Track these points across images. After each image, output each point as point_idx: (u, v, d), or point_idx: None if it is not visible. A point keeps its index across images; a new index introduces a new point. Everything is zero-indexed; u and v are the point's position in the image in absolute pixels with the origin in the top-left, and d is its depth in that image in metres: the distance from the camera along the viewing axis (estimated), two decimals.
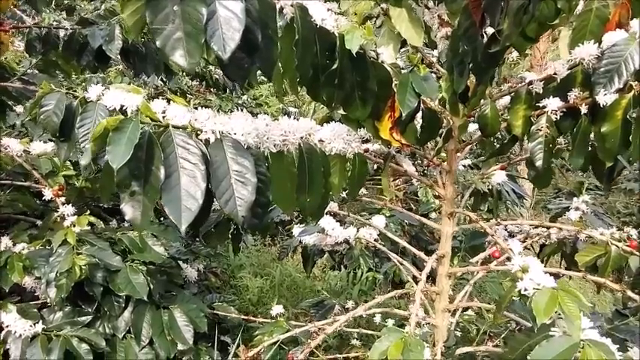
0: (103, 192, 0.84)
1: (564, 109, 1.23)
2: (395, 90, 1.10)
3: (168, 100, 1.33)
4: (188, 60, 0.65)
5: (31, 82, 2.09)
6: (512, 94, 1.31)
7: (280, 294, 3.04)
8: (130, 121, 0.80)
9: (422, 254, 1.92)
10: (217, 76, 4.76)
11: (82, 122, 1.28)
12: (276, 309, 2.16)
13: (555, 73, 1.25)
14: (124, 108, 1.34)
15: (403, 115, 1.04)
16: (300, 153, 1.05)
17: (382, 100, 1.09)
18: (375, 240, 2.19)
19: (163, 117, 0.95)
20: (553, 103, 1.23)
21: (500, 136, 1.57)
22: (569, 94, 1.23)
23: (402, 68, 1.13)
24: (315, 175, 1.07)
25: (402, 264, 2.05)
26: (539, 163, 1.22)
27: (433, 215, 3.42)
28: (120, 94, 1.34)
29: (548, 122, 1.22)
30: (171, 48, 0.65)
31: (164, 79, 3.56)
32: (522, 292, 1.05)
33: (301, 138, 1.06)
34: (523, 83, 1.28)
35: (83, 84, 3.26)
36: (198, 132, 0.90)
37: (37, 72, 2.26)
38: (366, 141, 1.22)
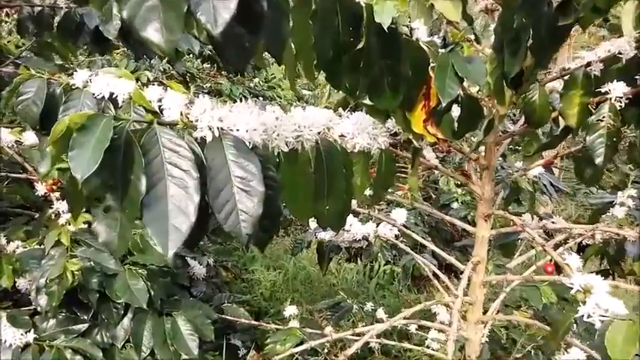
0: (72, 207, 0.67)
1: (630, 96, 1.04)
2: (431, 74, 0.91)
3: (166, 87, 1.16)
4: (166, 36, 0.47)
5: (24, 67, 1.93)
6: (565, 77, 1.12)
7: (294, 288, 2.90)
8: (100, 117, 0.62)
9: (443, 253, 1.76)
10: None
11: (65, 113, 1.12)
12: (290, 309, 2.01)
13: (620, 53, 1.05)
14: (113, 96, 1.18)
15: (443, 103, 0.86)
16: (317, 152, 0.87)
17: (416, 86, 0.90)
18: (395, 237, 2.02)
19: (159, 107, 0.78)
20: (618, 89, 1.03)
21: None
22: (637, 77, 1.03)
23: (440, 48, 0.94)
24: (336, 177, 0.89)
25: (421, 259, 1.89)
26: (599, 160, 1.03)
27: (455, 205, 3.23)
28: (109, 81, 1.18)
29: (611, 111, 1.03)
30: (143, 20, 0.47)
31: (170, 63, 3.39)
32: (585, 319, 0.87)
33: (319, 133, 0.88)
34: (579, 64, 1.08)
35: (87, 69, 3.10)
36: (193, 129, 0.73)
37: (32, 55, 2.10)
38: (394, 134, 1.03)
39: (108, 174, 0.64)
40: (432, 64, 0.90)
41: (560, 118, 1.14)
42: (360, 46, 0.76)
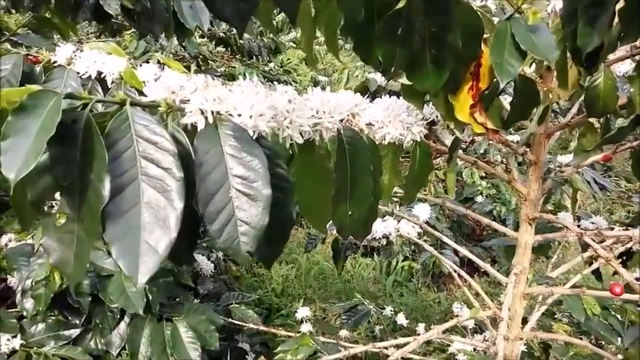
0: (18, 214, 0.51)
1: None
2: (484, 47, 0.73)
3: (163, 66, 1.00)
4: None
5: (20, 44, 1.79)
6: (637, 57, 0.92)
7: (307, 284, 2.75)
8: (47, 94, 0.46)
9: (465, 251, 1.58)
10: (242, 42, 4.40)
11: None
12: (302, 311, 1.85)
13: None
14: (102, 75, 1.02)
15: (501, 84, 0.67)
16: (339, 143, 0.70)
17: (464, 62, 0.72)
18: (418, 235, 1.84)
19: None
20: None
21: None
22: None
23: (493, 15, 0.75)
24: (361, 175, 0.72)
25: (441, 256, 1.72)
26: None
27: (479, 199, 3.04)
28: (97, 57, 1.02)
29: None
30: None
31: (184, 45, 3.22)
32: None
33: (341, 121, 0.70)
34: None
35: None
36: (180, 113, 0.56)
37: (30, 32, 1.95)
38: (431, 123, 0.86)
39: (61, 172, 0.48)
40: (485, 35, 0.71)
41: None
42: (398, 6, 0.58)
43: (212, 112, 0.56)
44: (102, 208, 0.46)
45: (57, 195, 0.49)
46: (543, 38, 0.69)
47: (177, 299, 1.50)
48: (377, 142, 0.77)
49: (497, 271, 2.72)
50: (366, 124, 0.74)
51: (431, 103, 0.83)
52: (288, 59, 5.17)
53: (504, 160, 2.74)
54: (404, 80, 0.67)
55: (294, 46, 5.58)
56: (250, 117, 0.58)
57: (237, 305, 1.79)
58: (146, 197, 0.49)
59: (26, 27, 1.93)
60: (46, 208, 0.50)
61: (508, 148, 1.05)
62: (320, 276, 2.79)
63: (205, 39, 4.36)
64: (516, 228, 2.71)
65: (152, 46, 3.15)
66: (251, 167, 0.56)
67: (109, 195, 0.47)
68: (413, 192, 0.88)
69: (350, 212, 0.72)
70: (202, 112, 0.56)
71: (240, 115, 0.58)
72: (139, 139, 0.50)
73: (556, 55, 0.68)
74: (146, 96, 0.56)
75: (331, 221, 0.75)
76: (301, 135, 0.66)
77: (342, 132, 0.70)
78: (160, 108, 0.55)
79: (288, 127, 0.63)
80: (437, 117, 0.86)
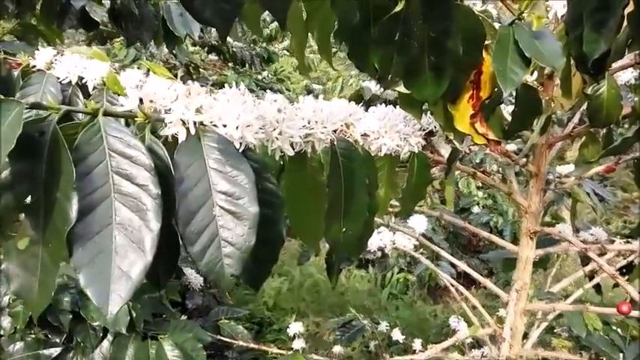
0: None
1: None
2: (485, 54, 0.69)
3: (148, 71, 0.95)
4: None
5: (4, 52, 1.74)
6: None
7: (300, 297, 2.69)
8: (8, 104, 0.41)
9: (461, 263, 1.54)
10: (234, 50, 4.36)
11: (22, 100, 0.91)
12: (294, 327, 1.80)
13: None
14: (83, 81, 0.97)
15: (504, 93, 0.64)
16: (333, 155, 0.65)
17: (464, 69, 0.68)
18: (414, 248, 1.80)
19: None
20: None
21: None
22: None
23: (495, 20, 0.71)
24: (356, 189, 0.67)
25: (437, 269, 1.68)
26: None
27: (475, 210, 3.00)
28: (78, 62, 0.97)
29: None
30: None
31: (174, 53, 3.18)
32: None
33: (335, 131, 0.66)
34: None
35: None
36: (161, 124, 0.52)
37: (15, 39, 1.90)
38: (429, 133, 0.81)
39: (24, 190, 0.43)
40: (487, 41, 0.68)
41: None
42: (396, 9, 0.54)
43: (194, 123, 0.52)
44: (68, 229, 0.41)
45: (21, 216, 0.45)
46: (548, 45, 0.65)
47: (164, 316, 1.44)
48: (372, 154, 0.73)
49: (495, 283, 2.67)
50: (361, 135, 0.70)
51: (429, 112, 0.79)
52: (282, 67, 5.14)
53: (500, 170, 2.71)
54: (401, 88, 0.63)
55: (288, 54, 5.56)
56: (236, 128, 0.54)
57: (226, 321, 1.73)
58: (119, 217, 0.44)
59: (11, 34, 1.88)
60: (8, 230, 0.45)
61: (506, 159, 1.01)
62: (313, 289, 2.73)
63: (197, 47, 4.32)
64: (514, 240, 2.68)
65: (142, 54, 3.11)
66: (237, 182, 0.51)
67: (77, 215, 0.42)
68: (410, 205, 0.84)
69: (344, 229, 0.68)
70: (184, 123, 0.51)
71: (225, 126, 0.54)
72: (112, 153, 0.45)
73: (562, 62, 0.64)
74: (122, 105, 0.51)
75: (324, 237, 0.70)
76: (292, 147, 0.61)
77: (335, 143, 0.66)
78: (136, 118, 0.50)
79: (277, 138, 0.59)
80: (435, 127, 0.82)
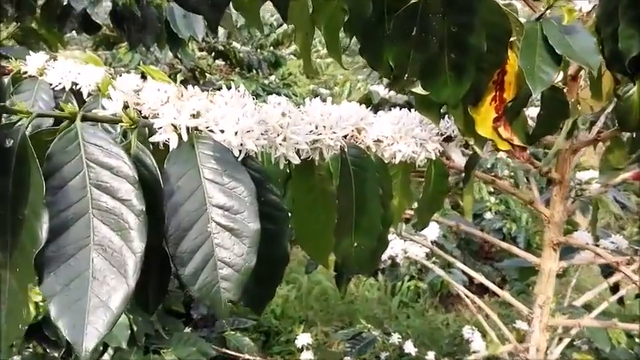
0: None
1: None
2: (510, 52, 0.62)
3: (143, 75, 0.89)
4: None
5: (5, 57, 1.70)
6: None
7: (308, 305, 2.63)
8: None
9: (473, 272, 1.48)
10: (242, 54, 4.33)
11: None
12: (302, 338, 1.74)
13: None
14: (77, 87, 0.92)
15: (534, 94, 0.57)
16: (343, 163, 0.59)
17: (487, 69, 0.62)
18: (426, 256, 1.73)
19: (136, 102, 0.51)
20: None
21: None
22: None
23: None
24: (369, 200, 0.61)
25: (448, 277, 1.61)
26: None
27: (488, 215, 2.92)
28: (72, 67, 0.92)
29: None
30: None
31: (179, 57, 3.14)
32: None
33: (345, 137, 0.60)
34: None
35: None
36: (147, 129, 0.46)
37: (15, 44, 1.86)
38: (447, 139, 0.75)
39: None
40: (512, 37, 0.61)
41: None
42: (413, 0, 0.48)
43: (188, 128, 0.46)
44: (37, 251, 0.36)
45: None
46: (581, 40, 0.59)
47: (167, 328, 1.38)
48: (386, 161, 0.67)
49: (509, 291, 2.59)
50: (374, 141, 0.64)
51: (446, 115, 0.73)
52: (289, 72, 5.10)
53: (512, 175, 2.62)
54: (418, 90, 0.57)
55: (295, 58, 5.51)
56: (235, 133, 0.48)
57: (232, 332, 1.67)
58: (97, 237, 0.38)
59: (12, 39, 1.84)
60: None
61: (528, 166, 0.94)
62: (322, 297, 2.67)
63: (204, 52, 4.29)
64: (528, 247, 2.59)
65: (147, 58, 3.07)
66: (235, 195, 0.45)
67: (49, 235, 0.36)
68: (427, 216, 0.78)
69: (355, 243, 0.62)
70: (175, 128, 0.45)
71: (223, 132, 0.48)
72: (90, 163, 0.39)
73: (598, 60, 0.58)
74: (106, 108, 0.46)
75: (333, 253, 0.64)
76: (298, 154, 0.55)
77: (345, 150, 0.60)
78: (121, 124, 0.45)
79: (281, 144, 0.53)
80: (453, 132, 0.76)
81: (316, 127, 0.57)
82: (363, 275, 2.21)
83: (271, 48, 4.71)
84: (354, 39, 0.53)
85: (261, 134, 0.51)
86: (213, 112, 0.48)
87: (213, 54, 4.24)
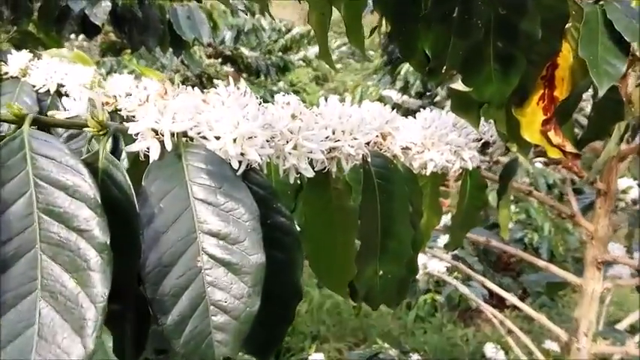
0: None
1: None
2: (563, 41, 0.52)
3: (140, 77, 0.80)
4: None
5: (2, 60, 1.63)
6: None
7: (320, 320, 2.52)
8: None
9: (493, 286, 1.37)
10: (250, 60, 4.26)
11: None
12: (315, 358, 1.63)
13: None
14: (63, 89, 0.83)
15: (600, 91, 0.47)
16: (366, 176, 0.49)
17: (537, 62, 0.52)
18: (446, 271, 1.63)
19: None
20: None
21: None
22: None
23: None
24: (397, 220, 0.51)
25: (467, 290, 1.50)
26: None
27: (508, 225, 2.79)
28: (58, 67, 0.83)
29: None
30: None
31: (186, 63, 3.07)
32: None
33: (367, 144, 0.50)
34: None
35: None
36: (122, 135, 0.36)
37: (13, 48, 1.79)
38: (485, 145, 0.65)
39: None
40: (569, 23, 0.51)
41: None
42: None
43: (173, 134, 0.36)
44: None
45: None
46: None
47: (168, 351, 1.28)
48: (415, 172, 0.56)
49: (530, 305, 2.45)
50: (402, 149, 0.54)
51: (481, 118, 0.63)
52: (298, 78, 5.02)
53: (533, 183, 2.50)
54: (458, 85, 0.47)
55: (304, 64, 5.44)
56: (234, 141, 0.38)
57: (241, 356, 1.56)
58: (47, 281, 0.28)
59: (9, 42, 1.77)
60: None
61: (573, 175, 0.84)
62: (334, 311, 2.55)
63: (212, 60, 4.22)
64: (551, 258, 2.45)
65: (154, 64, 3.00)
66: (233, 219, 0.35)
67: None
68: (461, 235, 0.67)
69: (381, 272, 0.51)
70: (156, 134, 0.36)
71: (218, 138, 0.38)
72: (39, 182, 0.30)
73: None
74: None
75: (354, 282, 0.54)
76: (311, 165, 0.45)
77: (369, 159, 0.49)
78: (87, 129, 0.35)
79: (291, 153, 0.43)
80: (491, 136, 0.65)
81: (333, 132, 0.47)
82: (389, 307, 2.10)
83: (280, 53, 4.63)
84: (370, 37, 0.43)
85: (267, 141, 0.41)
86: (207, 114, 0.39)
87: (220, 59, 4.17)
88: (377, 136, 0.51)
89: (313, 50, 6.02)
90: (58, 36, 1.65)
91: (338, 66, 6.68)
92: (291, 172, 0.45)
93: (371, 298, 0.52)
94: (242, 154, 0.39)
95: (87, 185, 0.30)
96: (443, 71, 0.44)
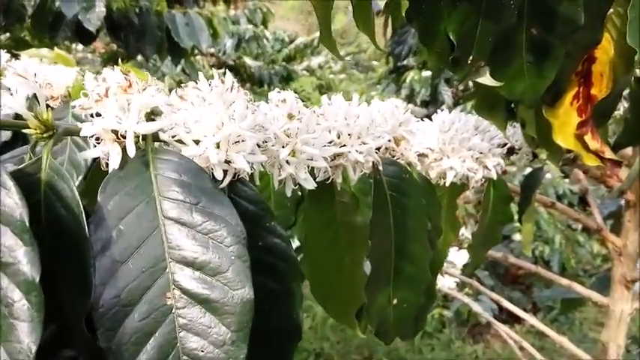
0: None
1: None
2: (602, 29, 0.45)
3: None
4: None
5: None
6: None
7: (324, 336, 2.43)
8: None
9: (503, 300, 1.29)
10: (253, 69, 4.21)
11: None
12: None
13: None
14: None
15: None
16: (377, 187, 0.42)
17: (574, 53, 0.44)
18: (456, 286, 1.55)
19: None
20: None
21: None
22: None
23: None
24: (413, 239, 0.43)
25: (477, 306, 1.41)
26: None
27: (517, 237, 2.70)
28: (37, 68, 0.76)
29: None
30: None
31: (187, 72, 3.01)
32: None
33: (378, 149, 0.42)
34: None
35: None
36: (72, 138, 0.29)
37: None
38: (510, 151, 0.57)
39: None
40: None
41: None
42: None
43: (138, 137, 0.29)
44: None
45: None
46: None
47: None
48: (433, 181, 0.49)
49: (542, 320, 2.36)
50: (418, 155, 0.47)
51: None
52: (302, 87, 4.97)
53: (540, 192, 2.40)
54: (486, 80, 0.40)
55: (307, 74, 5.39)
56: (217, 145, 0.31)
57: None
58: None
59: (3, 48, 1.72)
60: None
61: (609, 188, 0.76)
62: (338, 327, 2.46)
63: (214, 69, 4.17)
64: (563, 272, 2.35)
65: (154, 73, 2.95)
66: (214, 244, 0.28)
67: None
68: (482, 254, 0.60)
69: (395, 300, 0.44)
70: (117, 138, 0.28)
71: (197, 143, 0.31)
72: None
73: None
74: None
75: (365, 312, 0.46)
76: (312, 175, 0.38)
77: (380, 167, 0.42)
78: (26, 130, 0.28)
79: (288, 162, 0.36)
80: (517, 141, 0.58)
81: (338, 136, 0.40)
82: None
83: (283, 63, 4.59)
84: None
85: (258, 146, 0.34)
86: (184, 113, 0.31)
87: (223, 69, 4.13)
88: (389, 140, 0.44)
89: (317, 60, 5.99)
90: (51, 42, 1.59)
91: (341, 76, 6.64)
92: (288, 184, 0.37)
93: (383, 331, 0.44)
94: (227, 162, 0.32)
95: (12, 202, 0.22)
96: (472, 58, 0.36)
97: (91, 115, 0.29)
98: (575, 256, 2.60)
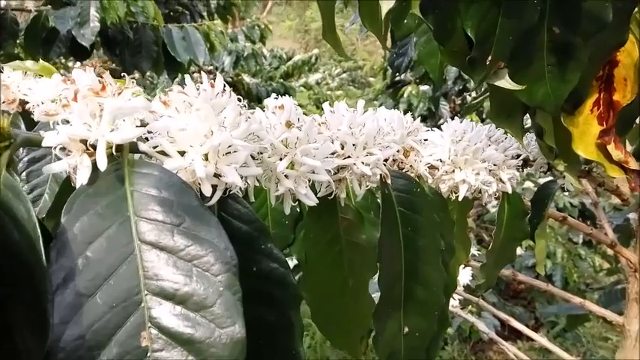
0: None
1: None
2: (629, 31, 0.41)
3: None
4: None
5: None
6: None
7: (323, 356, 2.37)
8: None
9: (505, 315, 1.24)
10: (250, 86, 4.20)
11: None
12: None
13: None
14: (26, 106, 0.73)
15: None
16: (385, 202, 0.38)
17: (596, 57, 0.41)
18: (459, 304, 1.49)
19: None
20: None
21: None
22: None
23: None
24: (425, 260, 0.39)
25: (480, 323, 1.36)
26: None
27: (519, 251, 2.66)
28: (20, 81, 0.73)
29: None
30: None
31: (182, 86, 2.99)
32: None
33: (386, 161, 0.38)
34: None
35: None
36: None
37: None
38: (525, 162, 0.54)
39: None
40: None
41: None
42: None
43: (111, 148, 0.25)
44: None
45: None
46: None
47: None
48: (445, 195, 0.45)
49: (546, 335, 2.30)
50: (428, 167, 0.43)
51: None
52: (299, 101, 4.96)
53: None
54: (505, 82, 0.36)
55: (305, 90, 5.39)
56: (205, 157, 0.27)
57: None
58: None
59: None
60: None
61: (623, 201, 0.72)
62: None
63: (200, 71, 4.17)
64: (565, 286, 2.29)
65: (149, 89, 2.92)
66: (198, 272, 0.24)
67: None
68: (495, 273, 0.55)
69: (406, 328, 0.39)
70: (87, 149, 0.24)
71: (183, 154, 0.27)
72: None
73: None
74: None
75: (371, 342, 0.42)
76: (313, 190, 0.34)
77: (388, 181, 0.38)
78: None
79: (287, 175, 0.32)
80: (530, 152, 0.54)
81: (342, 147, 0.36)
82: None
83: (281, 80, 4.59)
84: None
85: (252, 157, 0.30)
86: (167, 120, 0.27)
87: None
88: (397, 151, 0.40)
89: (314, 77, 6.00)
90: (45, 59, 1.56)
91: (338, 92, 6.65)
92: (287, 200, 0.33)
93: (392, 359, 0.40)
94: (217, 176, 0.28)
95: None
96: (490, 58, 0.33)
97: (58, 123, 0.25)
98: (577, 270, 2.55)
